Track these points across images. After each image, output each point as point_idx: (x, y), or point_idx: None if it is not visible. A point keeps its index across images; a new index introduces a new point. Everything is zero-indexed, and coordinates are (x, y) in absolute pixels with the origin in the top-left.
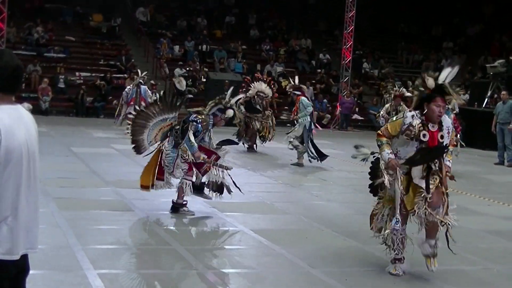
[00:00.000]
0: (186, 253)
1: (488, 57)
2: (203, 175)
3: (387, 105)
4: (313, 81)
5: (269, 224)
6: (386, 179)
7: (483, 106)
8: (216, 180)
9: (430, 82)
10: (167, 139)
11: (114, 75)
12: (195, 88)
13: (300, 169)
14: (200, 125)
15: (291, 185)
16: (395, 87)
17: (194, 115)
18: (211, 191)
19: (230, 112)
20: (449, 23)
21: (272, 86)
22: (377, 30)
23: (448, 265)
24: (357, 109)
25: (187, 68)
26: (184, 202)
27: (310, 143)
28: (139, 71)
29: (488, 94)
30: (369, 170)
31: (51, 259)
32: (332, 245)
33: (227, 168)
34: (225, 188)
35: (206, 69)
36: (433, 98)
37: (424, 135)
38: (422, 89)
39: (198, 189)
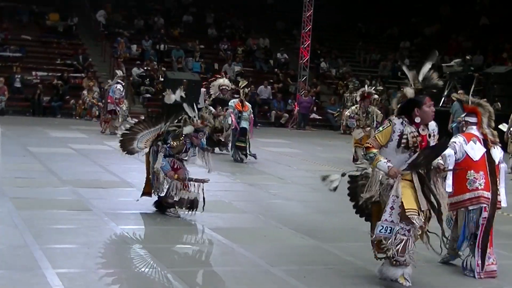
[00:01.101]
0: (145, 252)
1: (445, 56)
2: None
3: (354, 107)
4: (271, 81)
5: (227, 223)
6: (373, 191)
7: (440, 105)
8: (188, 197)
9: (410, 92)
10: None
11: (71, 75)
12: (152, 87)
13: (258, 168)
14: (168, 148)
15: (249, 184)
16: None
17: (170, 140)
18: (184, 209)
19: (187, 129)
20: (406, 23)
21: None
22: (335, 30)
23: None
24: (315, 108)
25: (145, 68)
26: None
27: (235, 143)
28: (118, 71)
29: (445, 93)
30: (348, 192)
31: (8, 259)
32: (291, 243)
33: (203, 181)
34: (196, 204)
35: (164, 69)
36: (421, 100)
37: (421, 143)
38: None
39: (160, 205)
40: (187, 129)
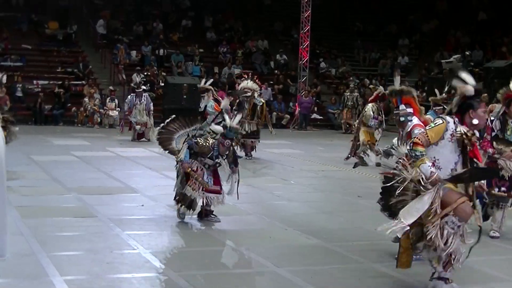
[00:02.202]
0: (152, 257)
1: (444, 52)
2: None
3: (371, 105)
4: (271, 82)
5: (232, 225)
6: (428, 196)
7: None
8: (190, 195)
9: (469, 89)
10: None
11: (72, 82)
12: (153, 92)
13: (261, 170)
14: (194, 145)
15: (252, 185)
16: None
17: (197, 136)
18: (181, 206)
19: (217, 129)
20: (404, 20)
21: (258, 81)
22: (333, 30)
23: None
24: (315, 108)
25: (145, 73)
26: (212, 209)
27: None
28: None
29: (445, 89)
30: (380, 191)
31: (15, 267)
32: (296, 244)
33: (203, 185)
34: (194, 206)
35: (164, 73)
36: (477, 104)
37: (473, 143)
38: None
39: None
40: (217, 128)
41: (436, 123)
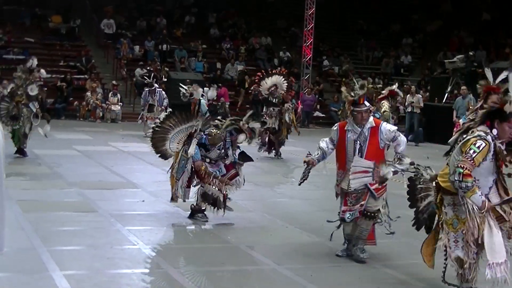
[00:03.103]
0: (152, 253)
1: (447, 52)
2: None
3: (386, 104)
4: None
5: (233, 222)
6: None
7: (443, 101)
8: (212, 193)
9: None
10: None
11: (75, 76)
12: None
13: (263, 167)
14: (205, 137)
15: (254, 183)
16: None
17: (209, 129)
18: (206, 204)
19: (241, 138)
20: (407, 19)
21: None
22: (336, 28)
23: (412, 259)
24: (318, 106)
25: (148, 68)
26: (202, 208)
27: None
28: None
29: (448, 89)
30: (407, 196)
31: (16, 261)
32: (296, 241)
33: (226, 183)
34: (219, 203)
35: (167, 69)
36: (508, 117)
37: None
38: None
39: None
40: (240, 138)
41: (479, 146)
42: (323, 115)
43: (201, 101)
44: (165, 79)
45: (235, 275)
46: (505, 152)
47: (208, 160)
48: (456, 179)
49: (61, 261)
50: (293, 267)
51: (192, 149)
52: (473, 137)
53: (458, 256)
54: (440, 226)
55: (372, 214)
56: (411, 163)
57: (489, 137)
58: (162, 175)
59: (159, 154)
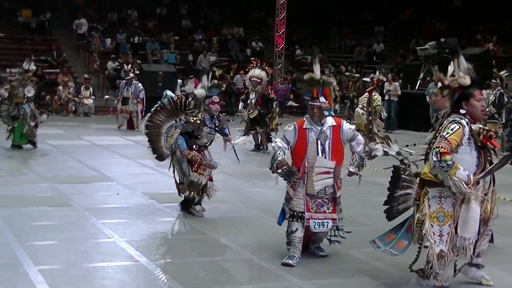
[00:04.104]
0: (127, 246)
1: (420, 40)
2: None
3: (379, 97)
4: (247, 70)
5: (209, 213)
6: (473, 199)
7: (416, 88)
8: (198, 180)
9: (467, 80)
10: None
11: (46, 71)
12: None
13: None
14: (184, 123)
15: (228, 173)
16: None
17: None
18: (194, 194)
19: (200, 92)
20: (380, 8)
21: (267, 68)
22: (309, 17)
23: None
24: (291, 95)
25: (120, 61)
26: (197, 199)
27: None
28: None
29: (420, 76)
30: (390, 180)
31: None
32: (272, 231)
33: (212, 167)
34: (205, 189)
35: (139, 61)
36: (471, 93)
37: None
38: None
39: (185, 203)
40: (200, 91)
41: (452, 128)
42: (297, 104)
43: (167, 92)
44: (138, 72)
45: (211, 266)
46: (482, 129)
47: (197, 147)
48: (434, 160)
49: (35, 256)
50: (269, 257)
51: (176, 139)
52: (449, 122)
53: (441, 250)
54: (414, 221)
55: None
56: (398, 153)
57: (463, 121)
58: (136, 167)
59: (156, 156)
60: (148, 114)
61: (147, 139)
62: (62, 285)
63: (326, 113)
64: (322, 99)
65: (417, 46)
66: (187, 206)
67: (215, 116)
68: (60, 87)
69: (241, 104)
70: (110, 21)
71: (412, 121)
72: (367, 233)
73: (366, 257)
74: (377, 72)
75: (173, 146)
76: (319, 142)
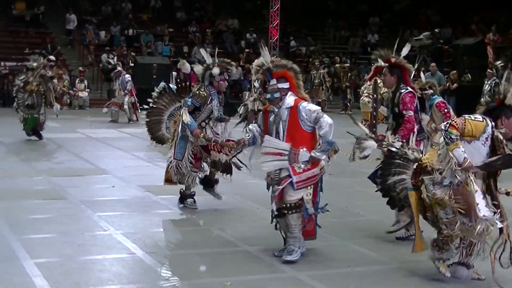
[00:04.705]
0: (123, 238)
1: (414, 30)
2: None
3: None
4: (242, 61)
5: (204, 205)
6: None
7: (410, 79)
8: (220, 159)
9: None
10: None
11: None
12: None
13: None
14: (191, 99)
15: None
16: (323, 63)
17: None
18: (219, 172)
19: (216, 70)
20: None
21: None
22: (304, 8)
23: (381, 237)
24: None
25: (114, 53)
26: (192, 193)
27: None
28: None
29: (415, 66)
30: (381, 166)
31: None
32: (268, 223)
33: (228, 146)
34: (233, 166)
35: (134, 54)
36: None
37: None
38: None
39: (207, 184)
40: (215, 71)
41: (475, 118)
42: None
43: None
44: (132, 64)
45: (207, 258)
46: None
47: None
48: (442, 128)
49: (31, 249)
50: (265, 248)
51: (186, 117)
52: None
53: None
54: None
55: (290, 205)
56: (375, 140)
57: (489, 120)
58: (131, 160)
59: (154, 140)
60: (152, 97)
61: (147, 126)
62: (59, 278)
63: (268, 95)
64: (272, 81)
65: (412, 36)
66: (183, 200)
67: (221, 92)
68: (55, 80)
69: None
70: (104, 13)
71: None
72: (362, 224)
73: (362, 248)
74: (380, 60)
75: (180, 128)
76: (274, 124)
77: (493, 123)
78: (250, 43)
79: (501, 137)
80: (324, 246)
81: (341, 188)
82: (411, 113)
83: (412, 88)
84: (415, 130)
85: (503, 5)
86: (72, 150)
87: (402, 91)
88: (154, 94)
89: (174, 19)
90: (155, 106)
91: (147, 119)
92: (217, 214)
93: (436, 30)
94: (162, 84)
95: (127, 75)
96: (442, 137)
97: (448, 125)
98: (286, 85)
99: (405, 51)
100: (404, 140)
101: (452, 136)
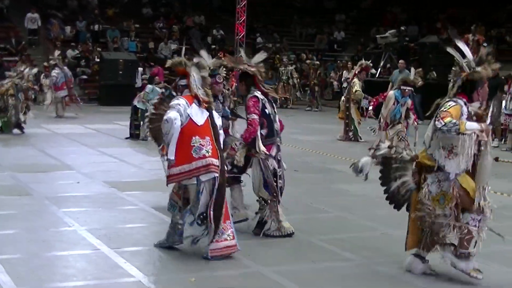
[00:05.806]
0: (88, 234)
1: (380, 28)
2: None
3: (357, 82)
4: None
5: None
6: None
7: (377, 76)
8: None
9: (489, 71)
10: None
11: (5, 58)
12: (88, 68)
13: None
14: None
15: None
16: (291, 60)
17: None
18: None
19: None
20: None
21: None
22: (270, 4)
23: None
24: None
25: (79, 49)
26: None
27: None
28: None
29: (381, 64)
30: (380, 175)
31: None
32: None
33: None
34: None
35: (99, 49)
36: (484, 80)
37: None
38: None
39: None
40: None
41: (450, 105)
42: None
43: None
44: (98, 60)
45: (172, 254)
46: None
47: None
48: (439, 127)
49: None
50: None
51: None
52: (445, 102)
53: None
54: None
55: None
56: (389, 147)
57: (460, 101)
58: (96, 156)
59: (159, 145)
60: (152, 106)
61: (150, 133)
62: (23, 274)
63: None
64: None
65: (378, 34)
66: None
67: (218, 96)
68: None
69: None
70: (70, 8)
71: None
72: (327, 220)
73: (327, 244)
74: (362, 60)
75: None
76: None
77: (465, 100)
78: (216, 39)
79: (475, 109)
80: (288, 241)
81: (306, 184)
82: (254, 116)
83: (263, 92)
84: (262, 133)
85: (469, 3)
86: (37, 145)
87: (249, 95)
88: (155, 100)
89: (141, 15)
90: (156, 112)
91: (150, 126)
92: None
93: (402, 28)
94: (150, 87)
95: (54, 70)
96: (444, 131)
97: (441, 119)
98: (183, 82)
99: (257, 58)
100: (245, 143)
101: (453, 121)
